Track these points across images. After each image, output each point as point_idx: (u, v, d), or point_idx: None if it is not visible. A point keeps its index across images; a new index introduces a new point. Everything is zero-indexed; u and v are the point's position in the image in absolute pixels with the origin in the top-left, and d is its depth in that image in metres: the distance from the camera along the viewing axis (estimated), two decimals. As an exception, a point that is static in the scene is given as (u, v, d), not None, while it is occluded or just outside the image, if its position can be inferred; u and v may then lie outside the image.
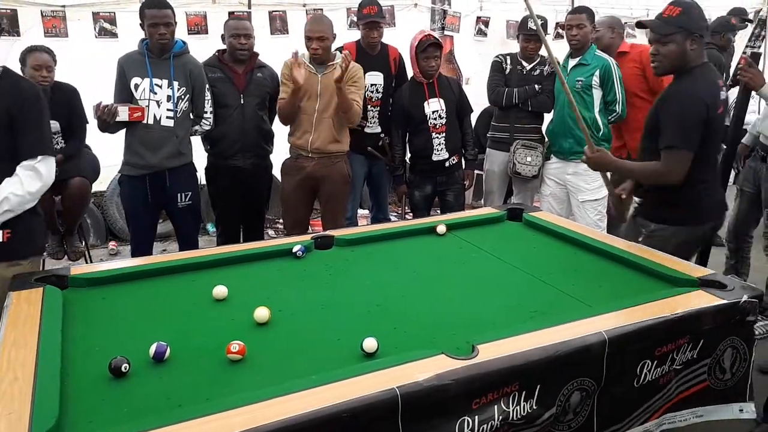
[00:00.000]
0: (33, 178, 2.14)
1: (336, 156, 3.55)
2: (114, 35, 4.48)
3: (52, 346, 1.57)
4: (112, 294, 2.01)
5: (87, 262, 3.78)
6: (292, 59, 3.26)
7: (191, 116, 3.38)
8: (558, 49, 5.09)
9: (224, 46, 3.59)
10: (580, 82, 3.59)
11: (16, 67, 3.45)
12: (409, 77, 3.90)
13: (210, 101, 3.41)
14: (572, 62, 3.70)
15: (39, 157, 2.15)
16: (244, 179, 3.57)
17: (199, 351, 1.62)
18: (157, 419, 1.25)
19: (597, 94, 3.61)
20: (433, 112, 3.66)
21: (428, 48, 3.55)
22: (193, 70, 3.32)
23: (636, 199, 2.63)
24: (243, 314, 1.81)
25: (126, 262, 2.40)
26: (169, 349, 1.57)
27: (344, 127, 3.52)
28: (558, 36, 6.61)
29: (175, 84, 3.23)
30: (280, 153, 3.77)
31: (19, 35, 4.31)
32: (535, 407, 1.54)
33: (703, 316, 1.80)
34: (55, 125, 3.53)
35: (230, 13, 4.65)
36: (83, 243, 3.91)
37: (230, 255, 2.31)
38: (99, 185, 4.38)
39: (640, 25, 2.56)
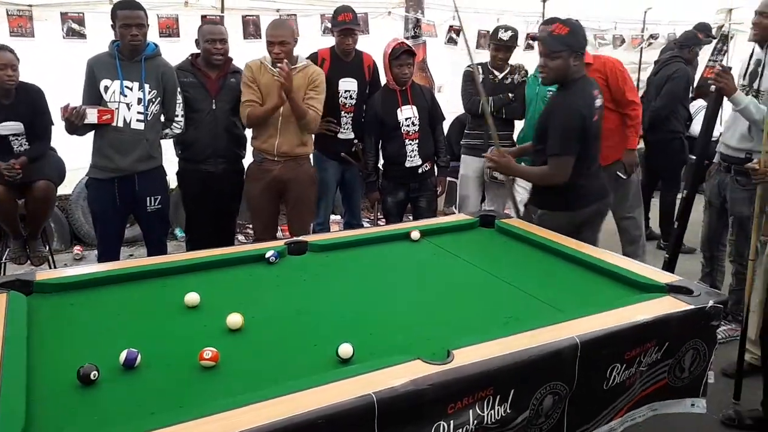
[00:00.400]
0: None
1: (302, 158, 3.56)
2: (82, 36, 4.39)
3: (16, 353, 1.52)
4: (79, 300, 1.96)
5: (50, 267, 3.68)
6: (284, 70, 3.18)
7: (162, 119, 3.33)
8: (528, 60, 5.19)
9: (197, 51, 3.55)
10: (550, 92, 3.63)
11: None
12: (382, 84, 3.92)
13: (181, 104, 3.37)
14: None
15: None
16: (215, 184, 3.54)
17: (171, 358, 1.59)
18: (129, 427, 1.22)
19: None
20: (407, 119, 3.68)
21: (401, 55, 3.58)
22: (165, 72, 3.28)
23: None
24: (215, 320, 1.79)
25: (94, 267, 2.35)
26: (140, 356, 1.53)
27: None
28: (528, 47, 6.73)
29: (146, 87, 3.18)
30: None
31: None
32: (509, 411, 1.56)
33: (670, 321, 1.85)
34: (18, 126, 3.44)
35: (203, 17, 4.61)
36: (47, 248, 3.81)
37: (202, 260, 2.27)
38: (64, 188, 4.28)
39: (534, 38, 2.89)
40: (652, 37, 7.74)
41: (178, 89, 3.34)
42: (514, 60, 4.25)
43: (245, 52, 3.92)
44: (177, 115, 3.36)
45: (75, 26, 4.40)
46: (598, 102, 2.81)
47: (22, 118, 3.42)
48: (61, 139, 3.50)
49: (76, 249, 4.79)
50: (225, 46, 3.50)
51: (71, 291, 2.01)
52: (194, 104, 3.44)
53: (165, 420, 1.24)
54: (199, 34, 3.53)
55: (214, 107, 3.46)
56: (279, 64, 3.22)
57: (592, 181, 2.85)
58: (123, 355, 1.52)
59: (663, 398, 1.95)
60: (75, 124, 3.05)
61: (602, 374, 1.74)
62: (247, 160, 3.73)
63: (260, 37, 5.02)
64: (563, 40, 2.67)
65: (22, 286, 1.95)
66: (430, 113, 3.78)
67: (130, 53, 3.16)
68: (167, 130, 3.38)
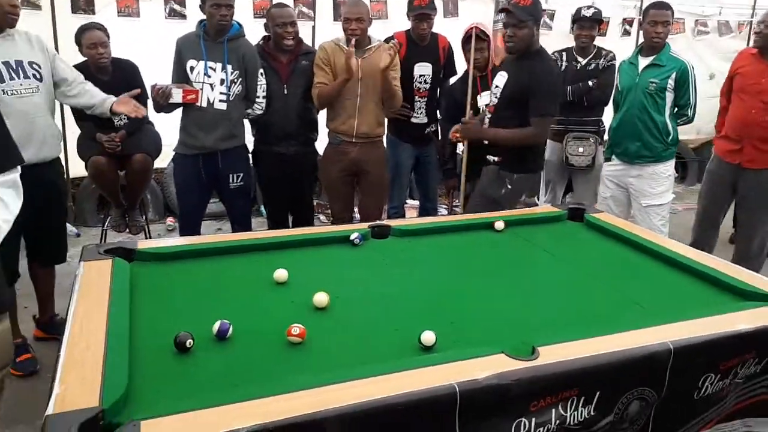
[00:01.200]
0: (14, 197, 1.64)
1: (377, 141, 3.58)
2: (183, 16, 4.58)
3: (121, 317, 1.62)
4: (175, 270, 2.06)
5: (146, 236, 3.90)
6: (350, 49, 3.23)
7: (244, 100, 3.41)
8: (624, 47, 4.94)
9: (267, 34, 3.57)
10: (654, 84, 3.46)
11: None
12: (458, 67, 3.89)
13: (263, 86, 3.41)
14: (644, 61, 3.55)
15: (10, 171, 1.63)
16: (288, 166, 3.58)
17: (260, 331, 1.65)
18: (221, 396, 1.28)
19: (670, 97, 3.48)
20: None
21: (469, 41, 3.53)
22: (247, 53, 3.33)
23: (492, 158, 3.17)
24: (302, 297, 1.83)
25: (189, 239, 2.46)
26: (231, 328, 1.60)
27: (383, 111, 3.51)
28: (625, 33, 6.41)
29: (229, 68, 3.25)
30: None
31: (94, 13, 4.45)
32: (593, 413, 1.52)
33: (774, 333, 1.73)
34: None
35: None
36: (143, 217, 4.03)
37: (290, 239, 2.34)
38: (159, 162, 4.49)
39: (504, 9, 3.00)
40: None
41: (260, 70, 3.39)
42: (610, 46, 4.10)
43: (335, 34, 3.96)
44: (258, 96, 3.42)
45: (177, 7, 4.59)
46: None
47: (119, 94, 3.58)
48: (159, 116, 3.67)
49: (169, 220, 5.06)
50: (295, 28, 3.48)
51: (168, 261, 2.12)
52: (266, 90, 3.45)
53: (255, 392, 1.29)
54: (268, 17, 3.52)
55: (285, 92, 3.48)
56: (394, 40, 3.28)
57: None
58: (216, 326, 1.59)
59: (759, 414, 1.84)
60: (160, 103, 3.19)
61: (694, 383, 1.65)
62: (320, 143, 3.76)
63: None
64: (528, 10, 2.89)
65: (125, 253, 2.08)
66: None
67: (216, 33, 3.23)
68: (249, 110, 3.45)
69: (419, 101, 3.91)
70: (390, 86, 3.34)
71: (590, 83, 3.93)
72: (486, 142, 3.17)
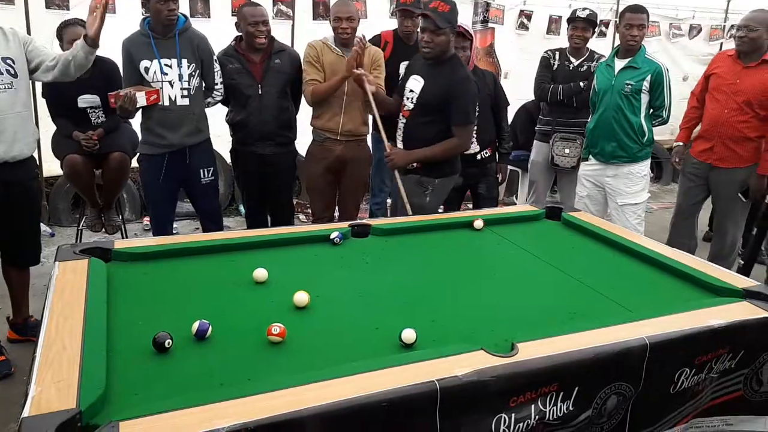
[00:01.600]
0: None
1: (362, 139, 3.58)
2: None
3: (98, 317, 1.60)
4: (153, 269, 2.04)
5: (123, 236, 3.85)
6: (359, 45, 3.20)
7: (203, 90, 3.37)
8: (601, 47, 5.01)
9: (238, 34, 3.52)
10: (629, 86, 3.51)
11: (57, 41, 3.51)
12: None
13: (219, 72, 3.37)
14: (620, 63, 3.60)
15: None
16: (266, 166, 3.56)
17: (240, 331, 1.64)
18: (201, 396, 1.27)
19: (645, 98, 3.53)
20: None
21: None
22: (200, 44, 3.28)
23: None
24: (282, 297, 1.83)
25: (166, 239, 2.43)
26: (211, 328, 1.59)
27: (367, 109, 3.49)
28: (600, 34, 6.50)
29: (184, 62, 3.21)
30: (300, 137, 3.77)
31: (68, 9, 4.38)
32: (571, 408, 1.54)
33: (746, 328, 1.77)
34: (95, 99, 3.57)
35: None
36: (120, 217, 3.98)
37: (269, 238, 2.33)
38: (136, 161, 4.45)
39: (423, 14, 2.92)
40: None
41: (214, 57, 3.34)
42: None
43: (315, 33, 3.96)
44: (216, 83, 3.38)
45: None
46: None
47: (98, 91, 3.53)
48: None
49: (146, 219, 4.98)
50: (267, 27, 3.42)
51: (145, 260, 2.09)
52: (241, 90, 3.42)
53: (234, 392, 1.28)
54: (240, 17, 3.45)
55: (260, 92, 3.43)
56: (357, 37, 3.24)
57: None
58: (195, 326, 1.58)
59: (737, 412, 1.88)
60: (128, 110, 3.11)
61: (670, 378, 1.69)
62: (299, 142, 3.74)
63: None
64: (447, 16, 2.84)
65: (101, 253, 2.05)
66: (493, 99, 3.71)
67: (164, 29, 3.17)
68: (209, 99, 3.42)
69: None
70: (380, 97, 3.30)
71: (581, 84, 3.97)
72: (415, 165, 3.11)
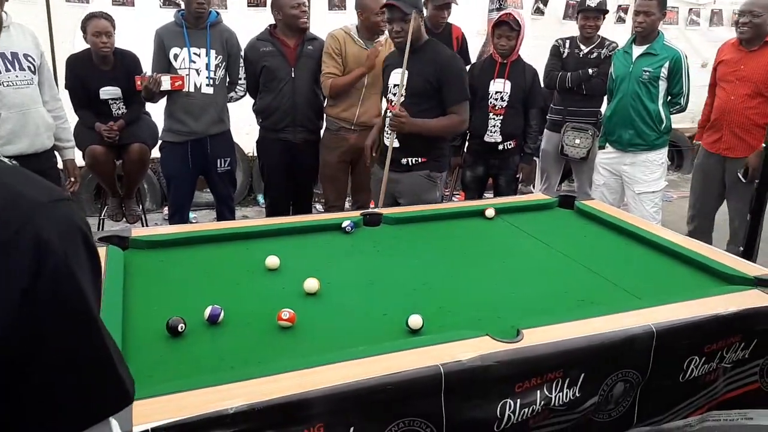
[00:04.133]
0: None
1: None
2: (178, 5, 4.56)
3: (114, 302, 1.65)
4: (169, 257, 2.10)
5: (143, 225, 3.92)
6: (380, 43, 3.26)
7: (227, 84, 3.49)
8: (620, 33, 4.94)
9: (273, 22, 3.57)
10: (647, 73, 3.47)
11: (79, 34, 3.58)
12: (474, 56, 3.90)
13: (243, 68, 3.51)
14: (637, 50, 3.55)
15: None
16: (294, 153, 3.60)
17: (251, 316, 1.68)
18: (213, 378, 1.31)
19: (663, 85, 3.49)
20: (496, 92, 3.60)
21: (501, 26, 3.53)
22: (229, 38, 3.44)
23: (413, 159, 3.04)
24: (293, 284, 1.86)
25: (182, 227, 2.49)
26: (223, 313, 1.63)
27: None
28: (619, 20, 6.41)
29: (212, 52, 3.35)
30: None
31: (88, 2, 4.45)
32: (577, 395, 1.55)
33: (758, 316, 1.76)
34: (116, 91, 3.64)
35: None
36: (140, 207, 4.05)
37: (283, 226, 2.37)
38: (156, 152, 4.51)
39: (388, 5, 2.89)
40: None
41: (241, 53, 3.48)
42: (603, 33, 4.12)
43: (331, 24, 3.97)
44: (240, 78, 3.52)
45: (172, -4, 4.58)
46: None
47: (119, 83, 3.62)
48: (153, 105, 3.68)
49: (166, 209, 5.07)
50: (307, 9, 3.56)
51: (162, 248, 2.15)
52: (274, 73, 3.48)
53: (244, 374, 1.32)
54: (280, 3, 3.48)
55: (293, 75, 3.49)
56: (378, 40, 3.31)
57: None
58: (207, 311, 1.62)
59: (758, 405, 1.85)
60: (152, 92, 3.26)
61: (679, 366, 1.68)
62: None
63: (345, 9, 5.06)
64: (410, 1, 2.84)
65: (119, 241, 2.10)
66: (527, 93, 3.64)
67: (195, 21, 3.33)
68: (232, 93, 3.55)
69: None
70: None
71: (590, 71, 3.94)
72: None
